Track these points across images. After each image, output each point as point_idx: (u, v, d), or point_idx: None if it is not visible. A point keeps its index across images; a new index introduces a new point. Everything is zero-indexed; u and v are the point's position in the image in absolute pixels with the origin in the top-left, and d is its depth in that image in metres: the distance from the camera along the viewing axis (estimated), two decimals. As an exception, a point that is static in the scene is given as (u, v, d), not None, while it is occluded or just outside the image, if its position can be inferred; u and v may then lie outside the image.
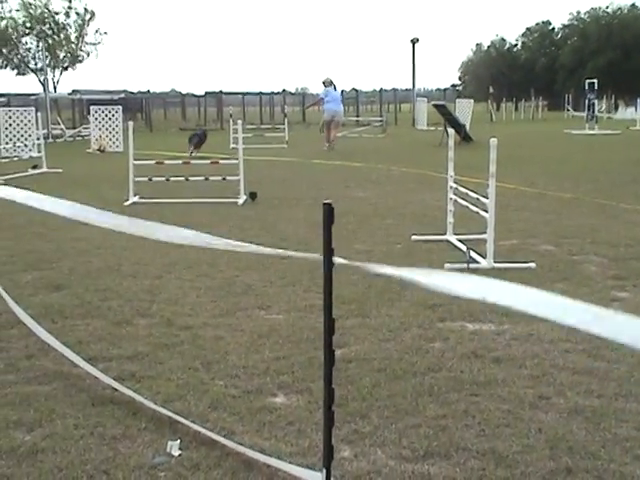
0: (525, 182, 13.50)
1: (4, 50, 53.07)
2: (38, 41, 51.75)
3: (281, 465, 3.25)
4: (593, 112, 33.62)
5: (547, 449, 3.41)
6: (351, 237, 8.51)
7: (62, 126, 35.52)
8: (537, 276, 6.54)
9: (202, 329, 5.25)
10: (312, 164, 18.21)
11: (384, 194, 12.48)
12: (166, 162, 13.27)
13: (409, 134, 33.82)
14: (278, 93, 55.21)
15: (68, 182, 14.90)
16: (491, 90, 55.07)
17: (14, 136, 21.87)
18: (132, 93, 50.20)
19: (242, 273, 6.86)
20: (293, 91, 70.84)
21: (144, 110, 48.12)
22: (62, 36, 54.47)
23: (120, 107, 26.09)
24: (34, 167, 17.79)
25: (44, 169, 17.75)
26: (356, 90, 54.78)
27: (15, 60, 54.14)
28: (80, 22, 55.44)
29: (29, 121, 21.88)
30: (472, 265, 6.96)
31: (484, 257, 7.14)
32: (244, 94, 56.55)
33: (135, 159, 12.34)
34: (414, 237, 8.42)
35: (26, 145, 21.41)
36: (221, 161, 13.23)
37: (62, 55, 54.78)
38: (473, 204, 7.77)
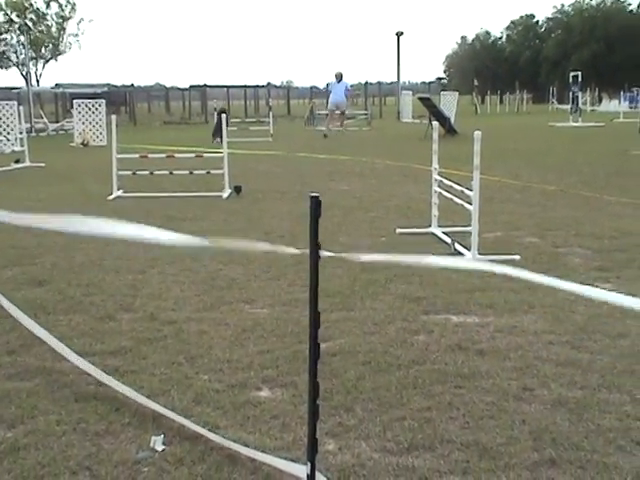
0: (509, 174, 13.53)
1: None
2: (19, 35, 51.38)
3: (265, 459, 3.24)
4: (577, 105, 33.72)
5: (531, 440, 3.42)
6: (336, 230, 8.50)
7: (45, 120, 35.31)
8: (521, 268, 6.55)
9: (186, 323, 5.24)
10: (297, 157, 18.19)
11: (369, 187, 12.48)
12: (150, 156, 13.21)
13: (394, 127, 33.83)
14: (263, 86, 55.06)
15: (51, 176, 14.82)
16: (476, 83, 55.33)
17: (-4, 130, 21.69)
18: (115, 86, 50.01)
19: (226, 267, 6.84)
20: (278, 84, 70.84)
21: (128, 104, 47.91)
22: (43, 27, 54.10)
23: (103, 101, 25.92)
24: (17, 161, 17.67)
25: (27, 163, 17.65)
26: (341, 83, 54.84)
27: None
28: (61, 12, 55.11)
29: (11, 115, 21.68)
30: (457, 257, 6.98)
31: (469, 249, 7.16)
32: (229, 87, 56.39)
33: (118, 153, 12.28)
34: (399, 230, 8.43)
35: (8, 139, 21.25)
36: (205, 154, 13.18)
37: (44, 47, 54.44)
38: (457, 197, 7.79)
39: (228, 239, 2.91)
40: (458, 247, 7.39)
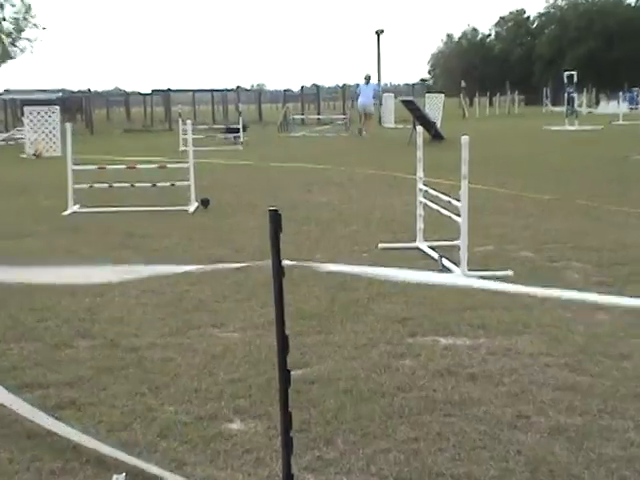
0: (501, 183, 13.63)
1: None
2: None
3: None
4: (573, 106, 34.05)
5: (527, 472, 3.43)
6: (313, 246, 8.51)
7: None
8: (514, 284, 6.59)
9: (149, 350, 5.21)
10: (270, 167, 18.21)
11: (348, 198, 12.51)
12: (109, 167, 13.15)
13: (376, 133, 33.98)
14: (232, 90, 55.11)
15: (0, 190, 14.72)
16: (463, 84, 55.66)
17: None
18: (71, 92, 49.79)
19: (193, 287, 6.82)
20: (249, 87, 70.90)
21: (84, 110, 47.72)
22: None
23: (57, 107, 25.81)
24: (-39, 175, 17.54)
25: (-27, 177, 17.52)
26: (317, 86, 54.98)
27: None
28: (15, 15, 55.00)
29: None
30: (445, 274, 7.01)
31: (457, 265, 7.19)
32: (194, 91, 56.41)
33: (74, 164, 12.23)
34: (381, 245, 8.45)
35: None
36: (169, 165, 13.16)
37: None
38: (444, 208, 7.82)
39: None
40: (446, 263, 7.42)
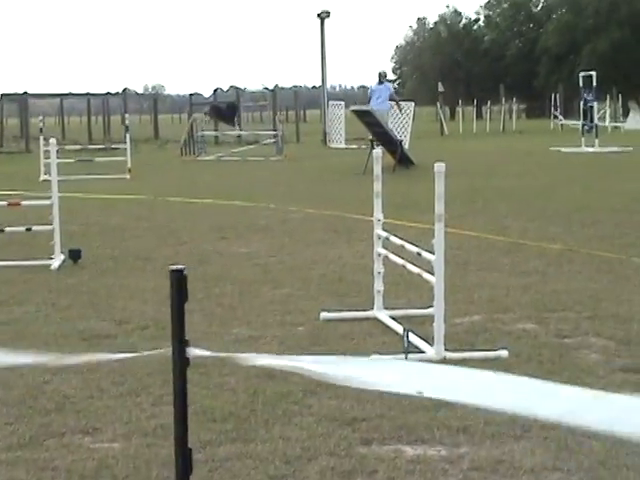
0: (493, 227, 13.77)
1: None
2: None
3: None
4: (592, 120, 34.60)
5: None
6: (228, 317, 8.48)
7: None
8: (509, 370, 6.64)
9: (-10, 469, 5.14)
10: (169, 204, 18.18)
11: (279, 249, 12.53)
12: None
13: (318, 156, 34.17)
14: (117, 94, 55.12)
15: None
16: (441, 88, 56.26)
17: None
18: None
19: (55, 377, 6.75)
20: (141, 91, 71.07)
21: None
22: None
23: None
24: None
25: None
26: (237, 89, 55.03)
27: None
28: None
29: None
30: (413, 355, 7.02)
31: (431, 343, 7.21)
32: (62, 96, 56.24)
33: None
34: (324, 315, 8.46)
35: None
36: (25, 202, 13.07)
37: None
38: (412, 263, 7.87)
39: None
40: (414, 340, 7.44)
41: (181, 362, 2.85)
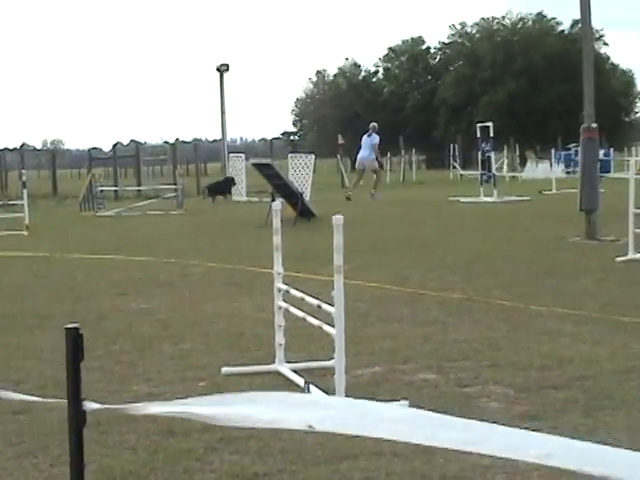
0: (394, 277, 13.85)
1: None
2: None
3: None
4: (490, 170, 35.05)
5: None
6: (128, 374, 8.41)
7: None
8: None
9: None
10: (68, 260, 18.02)
11: (179, 304, 12.48)
12: None
13: (219, 209, 34.18)
14: (14, 149, 54.65)
15: None
16: (341, 140, 56.55)
17: None
18: None
19: (-52, 439, 6.64)
20: (39, 147, 70.52)
21: None
22: None
23: None
24: None
25: None
26: (136, 143, 54.94)
27: None
28: None
29: None
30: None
31: (332, 394, 7.23)
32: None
33: None
34: (225, 369, 8.43)
35: None
36: None
37: None
38: (313, 315, 7.89)
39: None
40: (315, 392, 7.45)
41: (77, 419, 2.83)
